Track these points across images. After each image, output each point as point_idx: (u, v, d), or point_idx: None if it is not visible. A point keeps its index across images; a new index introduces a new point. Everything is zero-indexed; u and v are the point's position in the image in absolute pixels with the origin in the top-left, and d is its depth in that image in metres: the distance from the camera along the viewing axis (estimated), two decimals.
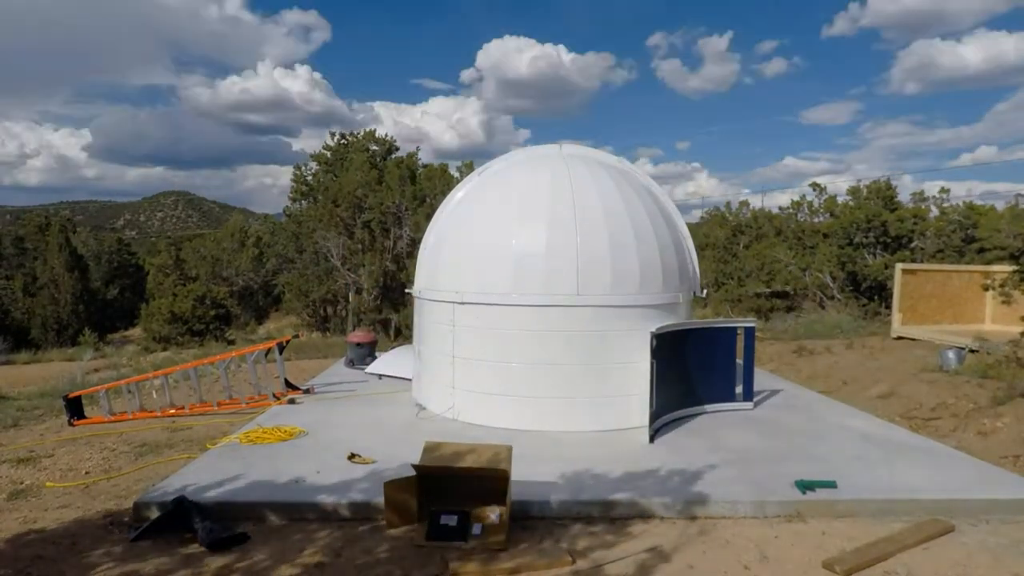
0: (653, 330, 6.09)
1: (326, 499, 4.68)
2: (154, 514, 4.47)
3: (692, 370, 6.91)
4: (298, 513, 4.58)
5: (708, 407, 7.07)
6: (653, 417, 6.12)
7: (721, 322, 7.73)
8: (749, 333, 7.36)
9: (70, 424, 7.44)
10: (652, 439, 6.05)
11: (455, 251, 7.01)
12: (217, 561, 3.97)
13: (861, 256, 19.64)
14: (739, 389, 7.29)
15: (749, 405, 7.25)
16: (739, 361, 7.31)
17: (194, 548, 4.14)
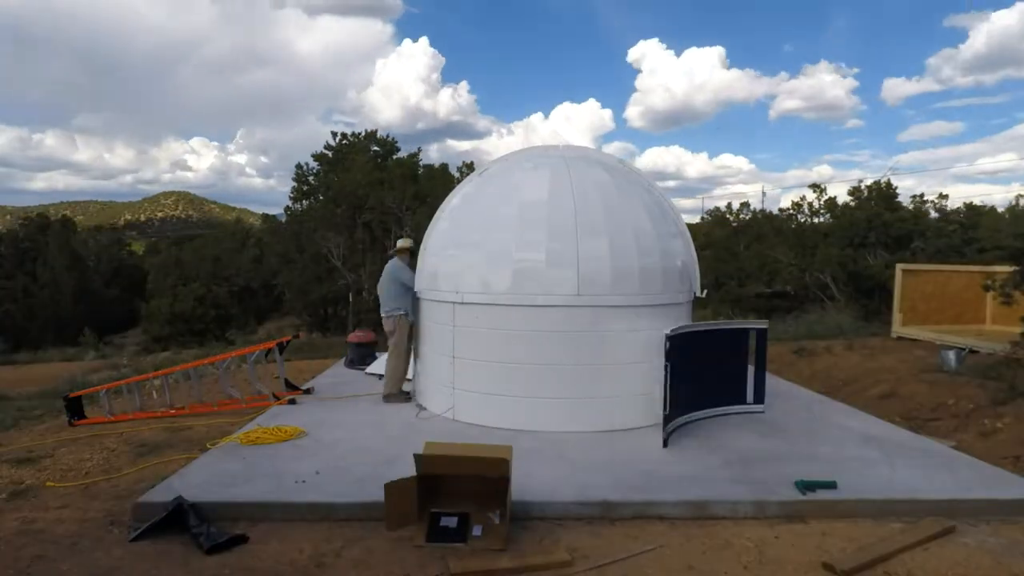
0: (667, 331, 5.94)
1: (326, 499, 4.67)
2: (154, 514, 4.47)
3: (702, 372, 6.76)
4: (298, 513, 4.58)
5: (719, 410, 6.93)
6: (667, 420, 6.01)
7: (732, 323, 7.62)
8: (760, 335, 7.25)
9: (70, 424, 7.44)
10: (666, 443, 5.91)
11: (455, 251, 7.00)
12: (217, 561, 3.97)
13: (861, 256, 19.65)
14: (750, 391, 7.18)
15: (760, 408, 7.14)
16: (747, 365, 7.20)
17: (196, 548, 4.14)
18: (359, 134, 30.18)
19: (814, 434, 6.36)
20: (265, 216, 39.55)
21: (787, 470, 5.21)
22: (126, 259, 44.40)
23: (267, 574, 3.83)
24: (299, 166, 30.75)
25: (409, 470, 4.51)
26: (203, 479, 5.03)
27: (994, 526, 4.49)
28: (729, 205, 31.46)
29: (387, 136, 30.06)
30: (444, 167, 25.09)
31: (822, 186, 24.68)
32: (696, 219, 34.78)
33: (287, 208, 30.98)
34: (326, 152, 30.08)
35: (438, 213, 7.72)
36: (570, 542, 4.18)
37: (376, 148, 29.54)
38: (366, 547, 4.14)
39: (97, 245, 42.91)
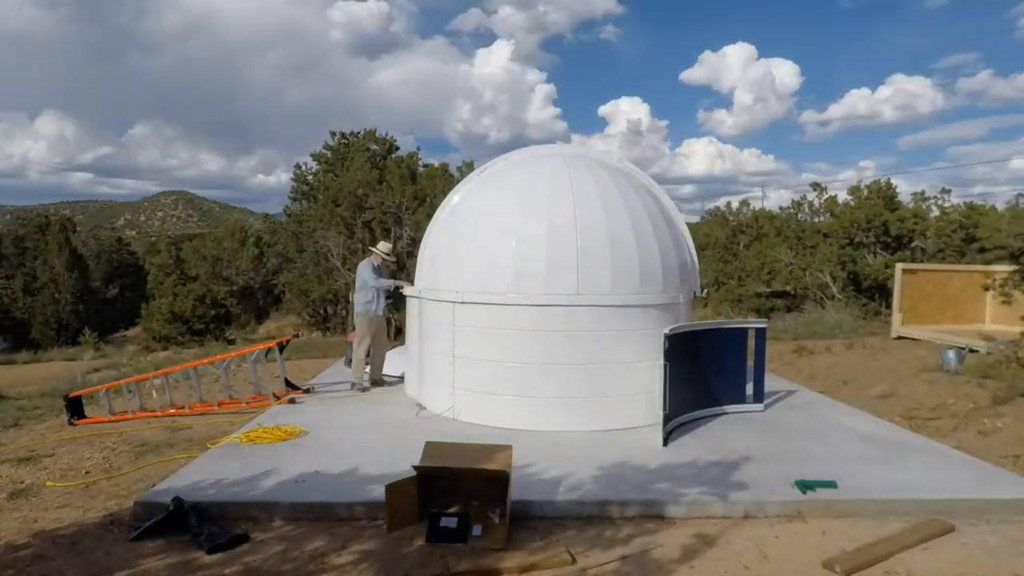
0: (666, 331, 5.95)
1: (326, 499, 4.68)
2: (154, 514, 4.47)
3: (701, 371, 6.79)
4: (298, 513, 4.58)
5: (717, 409, 6.97)
6: (667, 420, 6.04)
7: (731, 323, 7.64)
8: (760, 334, 7.27)
9: (70, 423, 7.44)
10: (666, 442, 5.95)
11: (455, 251, 7.00)
12: (218, 561, 3.97)
13: (861, 256, 19.66)
14: (749, 391, 7.21)
15: (760, 407, 7.16)
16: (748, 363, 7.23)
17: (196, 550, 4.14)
18: (358, 133, 30.10)
19: (814, 433, 6.36)
20: (265, 216, 39.53)
21: (787, 470, 5.22)
22: (126, 259, 44.35)
23: (267, 574, 3.84)
24: (298, 166, 30.73)
25: (409, 470, 4.51)
26: (203, 479, 5.04)
27: (994, 526, 4.49)
28: (729, 204, 31.47)
29: (386, 135, 30.01)
30: (444, 166, 25.02)
31: (822, 185, 24.67)
32: (696, 219, 34.78)
33: (286, 208, 30.96)
34: (325, 152, 30.04)
35: (438, 212, 7.72)
36: (570, 542, 4.19)
37: (375, 147, 29.49)
38: (366, 547, 4.14)
39: (97, 245, 42.86)
